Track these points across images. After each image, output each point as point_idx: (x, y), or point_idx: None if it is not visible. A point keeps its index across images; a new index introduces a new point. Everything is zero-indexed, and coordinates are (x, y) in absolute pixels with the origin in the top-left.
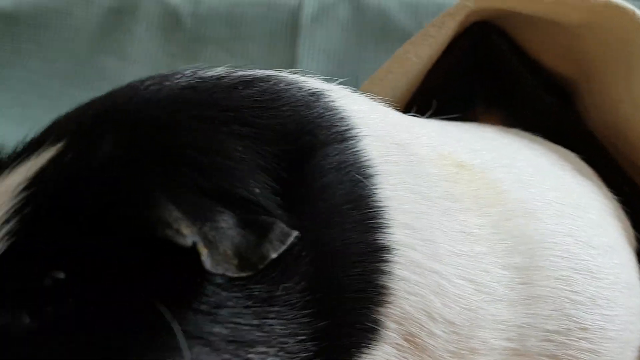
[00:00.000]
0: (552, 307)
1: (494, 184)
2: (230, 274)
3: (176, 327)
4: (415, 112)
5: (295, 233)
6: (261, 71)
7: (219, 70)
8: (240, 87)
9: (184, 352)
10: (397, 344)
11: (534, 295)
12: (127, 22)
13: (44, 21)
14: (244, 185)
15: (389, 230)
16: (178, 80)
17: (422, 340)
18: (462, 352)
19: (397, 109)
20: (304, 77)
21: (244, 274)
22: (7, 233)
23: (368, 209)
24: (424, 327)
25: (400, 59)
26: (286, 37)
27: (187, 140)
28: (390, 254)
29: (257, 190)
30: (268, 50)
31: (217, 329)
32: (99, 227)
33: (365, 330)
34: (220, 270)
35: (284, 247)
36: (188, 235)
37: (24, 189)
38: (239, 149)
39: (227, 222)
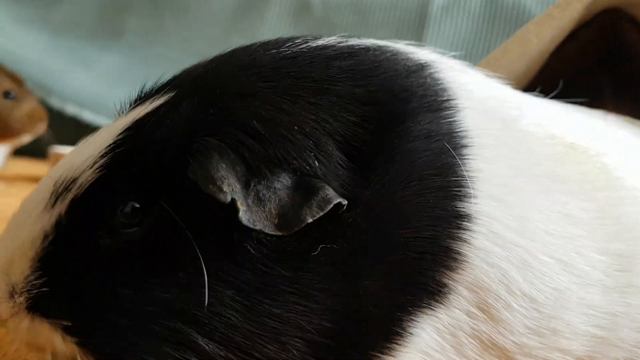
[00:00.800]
0: None
1: (607, 168)
2: (267, 230)
3: (204, 270)
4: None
5: (336, 200)
6: (373, 41)
7: (329, 40)
8: (339, 58)
9: (206, 294)
10: (469, 311)
11: (633, 284)
12: (260, 7)
13: (186, 3)
14: (300, 156)
15: (474, 201)
16: (283, 49)
17: (497, 312)
18: (542, 330)
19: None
20: (416, 49)
21: (279, 233)
22: (100, 166)
23: (453, 177)
24: (501, 299)
25: (520, 38)
26: (414, 27)
27: (256, 111)
28: (470, 222)
29: (315, 162)
30: (394, 39)
31: (247, 276)
32: (167, 174)
33: (429, 291)
34: (258, 226)
35: (321, 214)
36: (228, 191)
37: (126, 130)
38: (310, 120)
39: (280, 183)
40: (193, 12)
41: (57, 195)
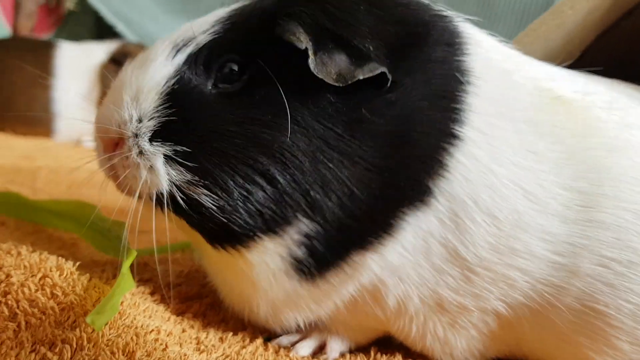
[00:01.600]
0: (615, 235)
1: (589, 119)
2: (327, 80)
3: (289, 116)
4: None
5: (383, 69)
6: None
7: None
8: None
9: (288, 132)
10: (442, 220)
11: (595, 219)
12: None
13: None
14: (361, 39)
15: (465, 127)
16: None
17: (464, 222)
18: (501, 247)
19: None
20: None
21: (337, 84)
22: (213, 32)
23: (454, 104)
24: (468, 211)
25: (555, 10)
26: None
27: (335, 3)
28: (459, 141)
29: (370, 47)
30: (516, 30)
31: (317, 126)
32: (263, 39)
33: (420, 192)
34: (321, 75)
35: (370, 74)
36: (304, 41)
37: (232, 9)
38: (370, 20)
39: (339, 56)
40: None
41: (177, 49)
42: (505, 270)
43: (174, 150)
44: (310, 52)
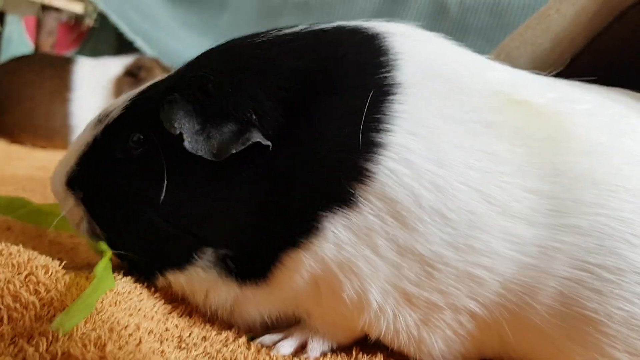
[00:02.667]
0: (597, 241)
1: (558, 122)
2: (206, 156)
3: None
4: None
5: (256, 139)
6: (340, 23)
7: (296, 28)
8: (295, 40)
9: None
10: (381, 217)
11: (570, 224)
12: (399, 10)
13: (330, 10)
14: (241, 110)
15: (389, 133)
16: (258, 38)
17: (411, 222)
18: (459, 245)
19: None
20: (380, 24)
21: (214, 159)
22: (123, 107)
23: (372, 114)
24: (412, 211)
25: (540, 15)
26: None
27: (218, 81)
28: (382, 149)
29: (252, 116)
30: None
31: (195, 181)
32: (155, 119)
33: (340, 198)
34: (200, 153)
35: (242, 147)
36: (177, 128)
37: (144, 88)
38: (254, 85)
39: (218, 131)
40: (336, 17)
41: (99, 120)
42: (469, 267)
43: (75, 195)
44: (184, 136)
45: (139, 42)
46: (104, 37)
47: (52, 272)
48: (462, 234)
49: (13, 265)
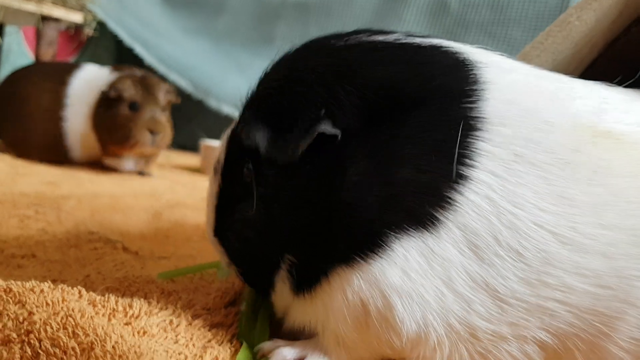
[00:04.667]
0: None
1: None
2: (281, 159)
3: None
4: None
5: (321, 129)
6: (438, 42)
7: (393, 36)
8: (384, 50)
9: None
10: (460, 248)
11: None
12: (398, 8)
13: (329, 10)
14: (314, 108)
15: (474, 170)
16: (348, 40)
17: (488, 256)
18: (532, 281)
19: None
20: (468, 48)
21: (288, 160)
22: (226, 147)
23: (463, 149)
24: (489, 245)
25: (561, 22)
26: (553, 21)
27: (293, 82)
28: (466, 181)
29: (322, 111)
30: (531, 34)
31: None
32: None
33: (418, 220)
34: (275, 157)
35: (310, 139)
36: (252, 142)
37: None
38: (331, 88)
39: (298, 128)
40: (335, 17)
41: (216, 172)
42: (541, 301)
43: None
44: (259, 147)
45: (138, 49)
46: (103, 45)
47: (88, 317)
48: (535, 270)
49: (47, 304)
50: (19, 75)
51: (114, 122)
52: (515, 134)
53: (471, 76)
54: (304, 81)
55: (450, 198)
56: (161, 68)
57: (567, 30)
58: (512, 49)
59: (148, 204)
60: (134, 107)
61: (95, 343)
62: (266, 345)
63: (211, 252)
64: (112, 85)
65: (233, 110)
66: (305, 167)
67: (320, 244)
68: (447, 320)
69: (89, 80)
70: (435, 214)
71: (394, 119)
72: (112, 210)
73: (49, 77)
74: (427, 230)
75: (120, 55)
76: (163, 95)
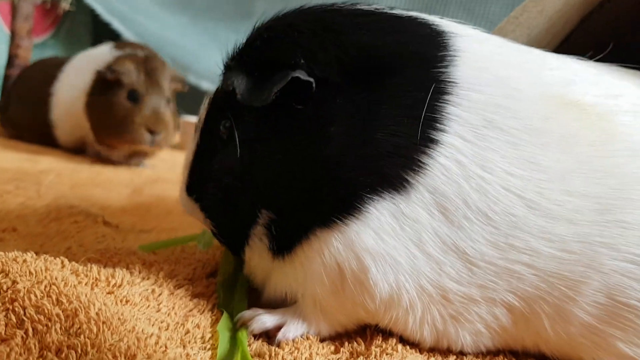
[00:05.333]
0: None
1: (610, 125)
2: (255, 103)
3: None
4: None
5: (295, 74)
6: (417, 14)
7: (374, 6)
8: (366, 16)
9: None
10: (429, 210)
11: (616, 220)
12: None
13: None
14: (293, 56)
15: (444, 134)
16: (332, 7)
17: (457, 218)
18: (500, 244)
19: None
20: (444, 21)
21: (261, 103)
22: (206, 107)
23: (434, 113)
24: (459, 208)
25: None
26: None
27: (273, 37)
28: (436, 145)
29: (301, 60)
30: (510, 11)
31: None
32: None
33: (391, 182)
34: (251, 102)
35: (282, 84)
36: (230, 86)
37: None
38: (311, 42)
39: (278, 76)
40: None
41: (196, 130)
42: (509, 264)
43: (194, 198)
44: (236, 91)
45: (115, 24)
46: (80, 20)
47: (70, 285)
48: (502, 234)
49: (31, 273)
50: (35, 64)
51: (109, 111)
52: (485, 100)
53: (444, 44)
54: (285, 35)
55: (420, 161)
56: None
57: (541, 5)
58: (492, 25)
59: (128, 179)
60: (133, 96)
61: (79, 310)
62: (246, 313)
63: (192, 225)
64: (110, 66)
65: (212, 86)
66: (284, 116)
67: (299, 201)
68: (419, 282)
69: (89, 56)
70: (406, 176)
71: (371, 81)
72: (92, 185)
73: (55, 60)
74: (398, 193)
75: (97, 30)
76: (168, 83)
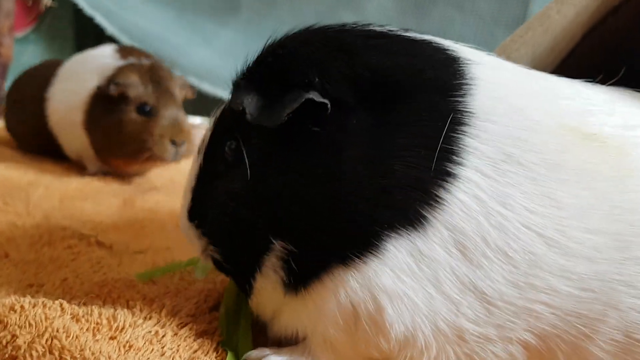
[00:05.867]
0: None
1: (622, 157)
2: (265, 123)
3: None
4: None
5: (308, 96)
6: (432, 38)
7: (387, 27)
8: (380, 38)
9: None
10: (448, 249)
11: (633, 257)
12: None
13: None
14: (307, 76)
15: (462, 167)
16: (344, 27)
17: (476, 257)
18: (519, 283)
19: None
20: (459, 46)
21: (272, 124)
22: (211, 129)
23: (451, 145)
24: (478, 247)
25: (541, 15)
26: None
27: (285, 55)
28: (454, 179)
29: (316, 79)
30: (498, 7)
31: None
32: (237, 121)
33: (408, 218)
34: (260, 121)
35: (295, 105)
36: (240, 105)
37: (222, 108)
38: (326, 61)
39: (289, 96)
40: None
41: (199, 152)
42: (528, 304)
43: (195, 226)
44: (246, 111)
45: (98, 18)
46: (62, 14)
47: (73, 337)
48: (522, 273)
49: (30, 324)
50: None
51: (117, 131)
52: (502, 132)
53: (460, 72)
54: (298, 52)
55: (438, 196)
56: (123, 39)
57: (547, 24)
58: (480, 21)
59: (117, 188)
60: (144, 110)
61: None
62: (253, 354)
63: (187, 244)
64: (111, 79)
65: (199, 82)
66: (297, 138)
67: (317, 233)
68: (435, 322)
69: (85, 57)
70: (424, 212)
71: (385, 105)
72: (81, 197)
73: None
74: (415, 230)
75: (79, 24)
76: (179, 92)
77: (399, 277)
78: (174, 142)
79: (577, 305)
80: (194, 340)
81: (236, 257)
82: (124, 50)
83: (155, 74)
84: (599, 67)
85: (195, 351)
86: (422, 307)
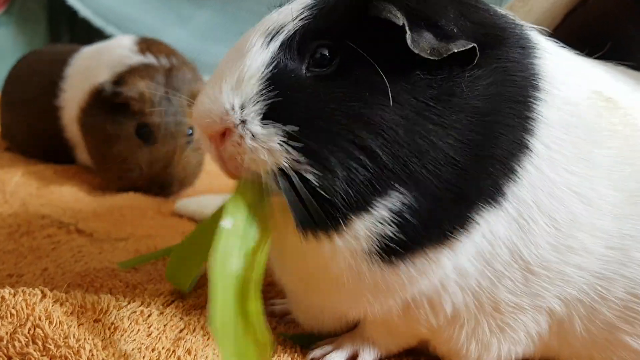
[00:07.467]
0: None
1: (634, 119)
2: (422, 54)
3: (389, 90)
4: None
5: (474, 44)
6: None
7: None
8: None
9: (387, 105)
10: (509, 224)
11: None
12: None
13: None
14: (447, 22)
15: (534, 139)
16: None
17: (528, 224)
18: (560, 247)
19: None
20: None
21: (432, 57)
22: (302, 18)
23: (529, 111)
24: (533, 215)
25: None
26: None
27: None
28: (530, 152)
29: (455, 29)
30: None
31: (412, 100)
32: (351, 22)
33: (491, 192)
34: (416, 50)
35: (462, 48)
36: (400, 18)
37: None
38: (453, 11)
39: (428, 34)
40: None
41: (270, 38)
42: (562, 267)
43: (283, 130)
44: (406, 28)
45: (71, 0)
46: None
47: (56, 323)
48: (563, 235)
49: (12, 314)
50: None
51: (109, 143)
52: (561, 98)
53: (526, 35)
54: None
55: (515, 171)
56: (97, 21)
57: (529, 5)
58: None
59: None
60: (142, 133)
61: (69, 357)
62: (316, 354)
63: (169, 231)
64: (117, 80)
65: None
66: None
67: (439, 191)
68: (479, 298)
69: (100, 49)
70: (503, 186)
71: (487, 59)
72: (59, 183)
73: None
74: (493, 205)
75: (52, 7)
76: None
77: (471, 259)
78: (158, 184)
79: (601, 266)
80: (180, 319)
81: (340, 193)
82: (145, 43)
83: (172, 81)
84: (579, 47)
85: (182, 330)
86: (473, 284)
